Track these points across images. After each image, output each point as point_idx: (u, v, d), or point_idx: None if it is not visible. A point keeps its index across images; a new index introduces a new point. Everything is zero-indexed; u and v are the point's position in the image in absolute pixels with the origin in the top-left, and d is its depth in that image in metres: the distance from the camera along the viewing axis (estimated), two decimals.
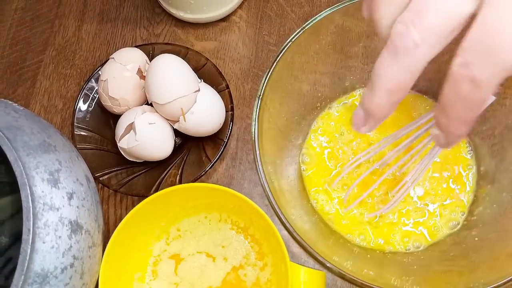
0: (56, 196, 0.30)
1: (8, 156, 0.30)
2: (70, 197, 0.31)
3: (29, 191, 0.29)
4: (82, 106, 0.46)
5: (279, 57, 0.35)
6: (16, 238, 0.44)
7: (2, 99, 0.35)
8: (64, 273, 0.30)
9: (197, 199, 0.39)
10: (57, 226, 0.30)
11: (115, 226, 0.36)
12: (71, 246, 0.30)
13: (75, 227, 0.31)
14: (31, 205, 0.29)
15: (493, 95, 0.31)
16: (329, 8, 0.36)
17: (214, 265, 0.40)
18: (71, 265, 0.30)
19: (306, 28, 0.36)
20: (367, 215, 0.39)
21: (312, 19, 0.36)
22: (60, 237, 0.30)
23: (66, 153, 0.34)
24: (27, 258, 0.28)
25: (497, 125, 0.39)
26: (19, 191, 0.44)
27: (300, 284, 0.35)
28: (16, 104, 0.35)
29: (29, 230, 0.28)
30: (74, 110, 0.45)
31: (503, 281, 0.28)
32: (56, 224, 0.30)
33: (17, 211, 0.44)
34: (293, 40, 0.36)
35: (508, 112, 0.38)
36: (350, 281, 0.31)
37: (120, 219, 0.38)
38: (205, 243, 0.41)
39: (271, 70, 0.35)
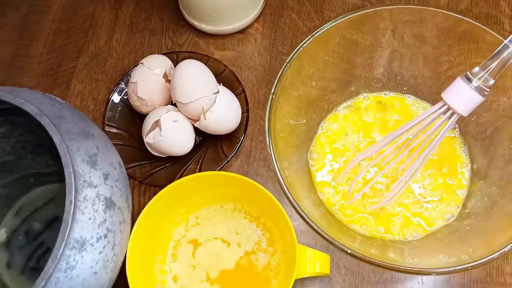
0: (94, 175, 0.35)
1: (54, 140, 0.34)
2: (106, 178, 0.36)
3: (71, 169, 0.34)
4: (112, 106, 0.51)
5: (290, 61, 0.40)
6: (48, 225, 0.48)
7: (47, 94, 0.40)
8: (99, 242, 0.34)
9: (214, 188, 0.43)
10: (94, 201, 0.34)
11: (139, 213, 0.40)
12: (105, 219, 0.35)
13: (109, 203, 0.35)
14: (73, 181, 0.33)
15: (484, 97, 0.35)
16: (334, 19, 0.41)
17: (229, 250, 0.44)
18: (105, 236, 0.34)
19: (315, 35, 0.41)
20: (369, 208, 0.43)
21: (320, 28, 0.41)
22: (96, 210, 0.34)
23: (102, 141, 0.38)
24: (69, 226, 0.32)
25: (488, 127, 0.43)
26: (52, 182, 0.49)
27: (306, 263, 0.38)
28: (59, 99, 0.40)
29: (71, 202, 0.33)
30: (105, 110, 0.50)
31: (493, 255, 0.32)
32: (93, 199, 0.34)
33: (50, 200, 0.49)
34: (303, 46, 0.40)
35: (498, 116, 0.42)
36: (359, 258, 0.34)
37: (144, 208, 0.42)
38: (221, 230, 0.45)
39: (283, 71, 0.39)
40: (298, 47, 0.40)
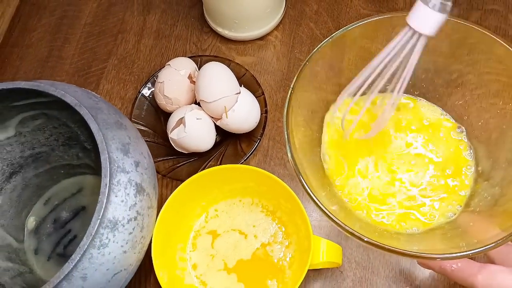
0: (126, 162, 0.38)
1: (92, 128, 0.37)
2: (137, 165, 0.39)
3: (107, 155, 0.37)
4: (138, 105, 0.54)
5: (305, 63, 0.43)
6: (75, 214, 0.51)
7: (84, 88, 0.43)
8: (129, 223, 0.37)
9: (233, 182, 0.46)
10: (126, 185, 0.37)
11: (162, 204, 0.43)
12: (135, 203, 0.37)
13: (139, 189, 0.38)
14: (108, 166, 0.36)
15: None
16: (349, 25, 0.44)
17: (246, 241, 0.46)
18: (135, 218, 0.37)
19: (334, 36, 0.44)
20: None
21: (335, 33, 0.44)
22: (128, 194, 0.37)
23: (133, 132, 0.41)
24: (103, 206, 0.35)
25: (493, 131, 0.45)
26: (80, 174, 0.52)
27: (319, 252, 0.41)
28: (94, 93, 0.43)
29: (106, 185, 0.36)
30: (132, 108, 0.53)
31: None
32: (125, 183, 0.37)
33: (77, 191, 0.52)
34: (319, 49, 0.43)
35: (504, 120, 0.45)
36: (376, 245, 0.36)
37: (165, 201, 0.44)
38: (239, 222, 0.47)
39: (301, 70, 0.42)
40: (314, 50, 0.43)
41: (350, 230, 0.37)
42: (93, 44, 0.60)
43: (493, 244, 0.34)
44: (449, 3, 0.38)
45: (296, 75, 0.42)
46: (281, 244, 0.46)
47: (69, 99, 0.39)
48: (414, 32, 0.39)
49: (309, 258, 0.40)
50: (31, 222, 0.51)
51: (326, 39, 0.44)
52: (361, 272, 0.46)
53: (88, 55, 0.60)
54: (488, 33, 0.43)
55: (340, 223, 0.37)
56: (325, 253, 0.41)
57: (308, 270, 0.40)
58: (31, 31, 0.62)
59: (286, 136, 0.41)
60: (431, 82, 0.50)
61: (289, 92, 0.41)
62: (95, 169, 0.51)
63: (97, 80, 0.58)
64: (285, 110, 0.41)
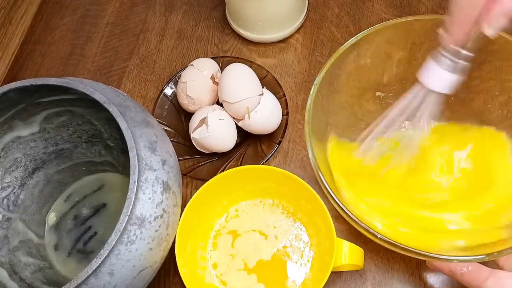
0: (154, 160, 0.38)
1: (121, 125, 0.38)
2: (163, 163, 0.39)
3: (135, 153, 0.37)
4: (160, 104, 0.54)
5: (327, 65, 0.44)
6: (96, 211, 0.51)
7: (111, 87, 0.43)
8: (156, 221, 0.37)
9: (254, 183, 0.46)
10: (154, 183, 0.37)
11: (184, 203, 0.43)
12: (162, 201, 0.38)
13: (166, 187, 0.38)
14: (137, 163, 0.37)
15: None
16: (369, 28, 0.45)
17: (266, 242, 0.47)
18: (161, 216, 0.38)
19: (356, 39, 0.44)
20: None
21: (356, 36, 0.45)
22: (155, 192, 0.37)
23: (159, 130, 0.42)
24: (132, 203, 0.35)
25: None
26: (102, 171, 0.52)
27: (342, 254, 0.41)
28: (121, 91, 0.44)
29: (134, 182, 0.36)
30: (154, 107, 0.54)
31: None
32: (153, 181, 0.37)
33: (98, 188, 0.52)
34: (339, 52, 0.44)
35: None
36: (395, 246, 0.37)
37: (186, 199, 0.45)
38: (259, 223, 0.47)
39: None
40: (335, 53, 0.44)
41: (365, 227, 0.37)
42: (115, 43, 0.61)
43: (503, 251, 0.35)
44: (462, 62, 0.37)
45: (320, 72, 0.43)
46: (302, 245, 0.46)
47: (98, 97, 0.39)
48: (427, 89, 0.39)
49: (333, 260, 0.40)
50: (51, 218, 0.51)
51: (348, 41, 0.44)
52: (381, 276, 0.46)
53: (110, 54, 0.60)
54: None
55: (356, 219, 0.37)
56: (348, 255, 0.41)
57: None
58: (53, 29, 0.63)
59: (307, 130, 0.41)
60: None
61: (313, 88, 0.42)
62: (117, 167, 0.51)
63: (118, 79, 0.59)
64: (308, 103, 0.41)
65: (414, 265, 0.46)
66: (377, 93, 0.51)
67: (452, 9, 0.36)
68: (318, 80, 0.43)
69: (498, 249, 0.36)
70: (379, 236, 0.37)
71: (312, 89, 0.43)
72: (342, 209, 0.38)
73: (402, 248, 0.36)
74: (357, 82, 0.50)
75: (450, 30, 0.37)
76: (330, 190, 0.39)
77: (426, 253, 0.36)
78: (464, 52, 0.37)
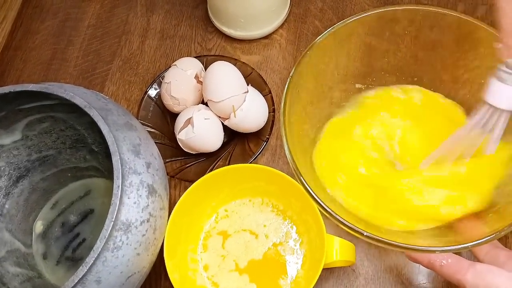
0: (138, 163, 0.37)
1: (102, 130, 0.37)
2: (148, 166, 0.38)
3: (118, 157, 0.36)
4: (145, 106, 0.53)
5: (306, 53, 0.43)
6: (83, 217, 0.50)
7: (93, 90, 0.42)
8: (142, 225, 0.36)
9: (243, 182, 0.46)
10: (139, 187, 0.37)
11: (171, 205, 0.43)
12: (148, 205, 0.37)
13: (151, 190, 0.38)
14: (120, 167, 0.36)
15: None
16: (351, 17, 0.44)
17: (257, 241, 0.46)
18: (148, 220, 0.37)
19: (335, 28, 0.44)
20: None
21: (336, 24, 0.45)
22: (140, 196, 0.37)
23: (143, 133, 0.41)
24: (116, 208, 0.35)
25: None
26: (87, 177, 0.51)
27: (333, 251, 0.40)
28: (103, 94, 0.43)
29: (118, 186, 0.35)
30: (138, 110, 0.53)
31: None
32: (138, 185, 0.37)
33: (85, 194, 0.51)
34: (317, 42, 0.44)
35: None
36: (374, 239, 0.36)
37: (174, 202, 0.44)
38: (249, 222, 0.47)
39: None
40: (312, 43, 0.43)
41: (349, 225, 0.37)
42: (97, 46, 0.60)
43: (480, 241, 0.35)
44: None
45: (295, 64, 0.43)
46: (292, 243, 0.46)
47: (78, 101, 0.38)
48: (495, 108, 0.38)
49: (323, 257, 0.39)
50: (38, 226, 0.50)
51: (327, 30, 0.44)
52: (373, 270, 0.46)
53: (92, 57, 0.59)
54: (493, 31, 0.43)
55: (339, 218, 0.37)
56: (339, 251, 0.40)
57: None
58: (34, 33, 0.62)
59: (283, 132, 0.41)
60: (438, 79, 0.50)
61: (288, 80, 0.41)
62: (103, 172, 0.50)
63: (102, 82, 0.58)
64: (284, 95, 0.42)
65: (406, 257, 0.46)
66: (357, 85, 0.50)
67: (503, 22, 0.36)
68: (293, 72, 0.43)
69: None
70: (365, 234, 0.36)
71: (287, 82, 0.42)
72: (323, 207, 0.38)
73: (387, 243, 0.36)
74: (336, 74, 0.50)
75: (505, 43, 0.36)
76: (310, 189, 0.39)
77: (406, 245, 0.36)
78: None
